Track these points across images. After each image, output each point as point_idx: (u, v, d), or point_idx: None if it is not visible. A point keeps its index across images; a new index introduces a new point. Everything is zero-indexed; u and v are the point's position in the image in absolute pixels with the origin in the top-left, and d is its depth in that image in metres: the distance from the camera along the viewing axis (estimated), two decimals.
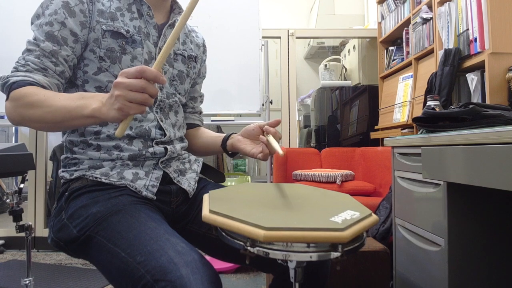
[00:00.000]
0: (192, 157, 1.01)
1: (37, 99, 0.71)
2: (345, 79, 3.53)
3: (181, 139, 0.98)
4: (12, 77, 0.75)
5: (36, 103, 0.71)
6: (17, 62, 0.78)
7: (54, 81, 0.79)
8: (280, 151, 0.73)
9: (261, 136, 0.88)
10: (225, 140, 0.98)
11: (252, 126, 0.92)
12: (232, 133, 0.98)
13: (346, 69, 3.58)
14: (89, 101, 0.69)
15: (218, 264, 1.97)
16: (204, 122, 1.16)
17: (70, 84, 0.87)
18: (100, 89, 0.84)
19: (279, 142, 0.85)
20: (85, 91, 0.84)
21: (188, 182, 0.92)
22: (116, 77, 0.84)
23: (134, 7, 0.89)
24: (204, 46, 1.10)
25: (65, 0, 0.80)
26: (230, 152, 0.98)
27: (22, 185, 1.32)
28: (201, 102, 1.15)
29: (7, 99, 0.75)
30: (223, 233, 0.58)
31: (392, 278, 1.41)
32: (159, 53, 0.90)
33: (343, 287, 1.37)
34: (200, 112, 1.14)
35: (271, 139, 0.83)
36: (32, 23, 0.81)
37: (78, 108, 0.69)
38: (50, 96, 0.72)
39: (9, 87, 0.74)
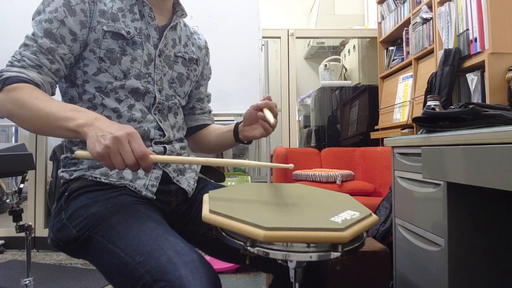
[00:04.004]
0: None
1: (28, 100, 0.71)
2: (345, 79, 3.52)
3: (180, 140, 0.98)
4: (6, 72, 0.74)
5: (26, 104, 0.71)
6: (13, 56, 0.77)
7: (48, 79, 0.79)
8: (271, 120, 0.83)
9: (259, 113, 0.92)
10: (236, 133, 1.02)
11: (247, 112, 0.97)
12: (236, 124, 1.02)
13: (346, 69, 3.58)
14: (79, 115, 0.69)
15: (218, 264, 1.97)
16: None
17: (71, 84, 0.86)
18: (100, 89, 0.84)
19: (276, 118, 0.91)
20: (86, 91, 0.84)
21: (188, 181, 0.92)
22: (115, 78, 0.84)
23: (136, 8, 0.89)
24: (206, 48, 1.10)
25: None
26: (245, 142, 1.02)
27: (22, 185, 1.32)
28: (209, 101, 1.16)
29: None
30: (223, 233, 0.58)
31: (392, 278, 1.40)
32: (158, 55, 0.90)
33: (343, 287, 1.37)
34: (210, 111, 1.15)
35: (266, 111, 0.90)
36: (32, 19, 0.81)
37: (65, 119, 0.68)
38: (42, 99, 0.72)
39: (2, 82, 0.73)
